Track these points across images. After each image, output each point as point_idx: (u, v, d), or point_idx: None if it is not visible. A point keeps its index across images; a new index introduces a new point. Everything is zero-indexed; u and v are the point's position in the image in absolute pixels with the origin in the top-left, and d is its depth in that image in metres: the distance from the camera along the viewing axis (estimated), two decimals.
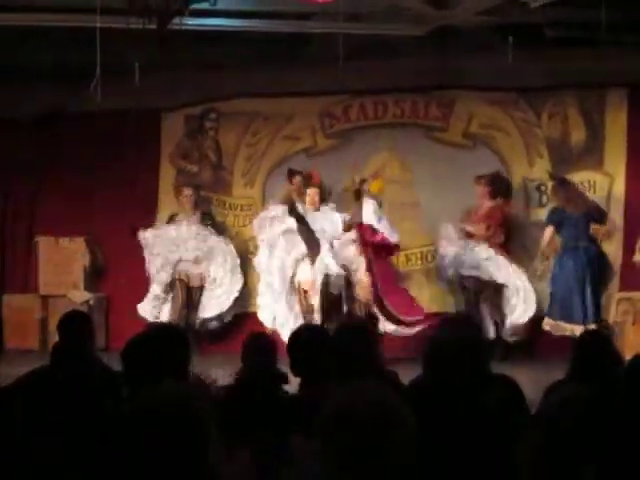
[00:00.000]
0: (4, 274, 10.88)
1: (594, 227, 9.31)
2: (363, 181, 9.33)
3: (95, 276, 10.66)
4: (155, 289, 9.89)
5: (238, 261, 10.04)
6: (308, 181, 9.49)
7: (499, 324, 9.24)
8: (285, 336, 8.73)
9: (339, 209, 9.41)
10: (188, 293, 9.96)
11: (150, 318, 9.59)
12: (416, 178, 10.18)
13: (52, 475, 2.80)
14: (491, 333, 9.08)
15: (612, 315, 9.18)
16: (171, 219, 10.22)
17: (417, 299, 9.51)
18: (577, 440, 2.32)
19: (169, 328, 4.70)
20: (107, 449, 2.61)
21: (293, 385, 4.19)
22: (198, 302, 9.98)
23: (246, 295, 10.11)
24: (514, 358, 8.66)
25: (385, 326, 8.87)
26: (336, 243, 9.01)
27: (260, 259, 9.43)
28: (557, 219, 9.31)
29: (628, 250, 9.27)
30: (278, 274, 9.17)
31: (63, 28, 8.62)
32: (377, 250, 9.09)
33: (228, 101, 10.61)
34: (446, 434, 3.08)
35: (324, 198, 9.37)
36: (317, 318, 8.82)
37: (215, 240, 10.01)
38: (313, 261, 8.95)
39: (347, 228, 9.11)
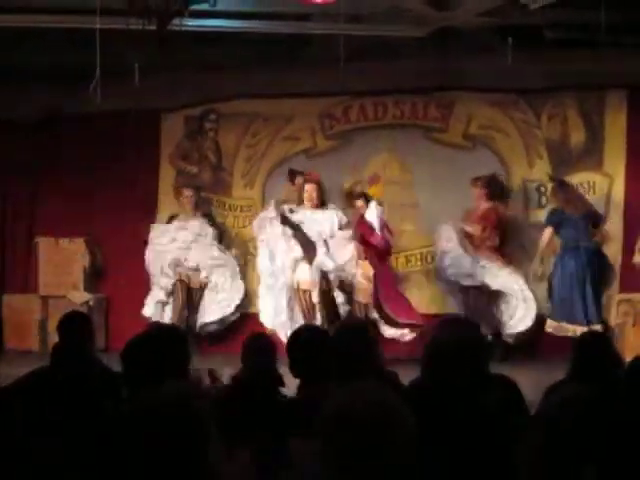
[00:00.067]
0: (4, 275, 10.88)
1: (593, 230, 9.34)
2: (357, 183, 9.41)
3: (95, 277, 10.66)
4: (158, 294, 9.87)
5: (238, 269, 10.05)
6: (306, 178, 9.48)
7: (498, 326, 9.23)
8: (285, 337, 8.77)
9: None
10: (189, 294, 9.95)
11: (156, 318, 9.60)
12: (416, 179, 10.18)
13: (52, 475, 2.80)
14: (489, 335, 9.07)
15: (612, 316, 9.18)
16: (171, 220, 10.21)
17: (417, 301, 9.55)
18: (577, 440, 2.32)
19: (169, 329, 4.70)
20: (107, 449, 2.61)
21: (291, 387, 4.18)
22: (198, 303, 9.98)
23: (246, 296, 10.11)
24: (514, 359, 8.66)
25: (384, 330, 8.88)
26: (332, 242, 8.98)
27: (260, 260, 9.42)
28: (556, 220, 9.31)
29: (628, 251, 9.27)
30: (278, 275, 9.17)
31: (61, 29, 8.62)
32: (376, 252, 9.10)
33: (228, 102, 10.61)
34: (446, 434, 3.08)
35: (324, 201, 9.34)
36: (318, 318, 8.82)
37: (216, 249, 10.01)
38: (311, 262, 8.95)
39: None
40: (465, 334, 3.62)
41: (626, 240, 9.40)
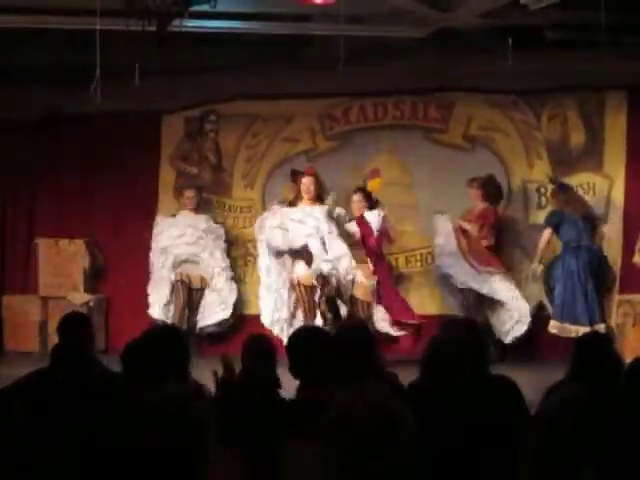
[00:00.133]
0: (4, 275, 10.87)
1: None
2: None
3: (95, 278, 10.65)
4: (162, 293, 9.87)
5: (232, 274, 10.07)
6: (304, 171, 9.47)
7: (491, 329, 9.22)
8: (283, 334, 8.81)
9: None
10: (189, 294, 9.96)
11: (162, 319, 9.66)
12: (416, 180, 10.18)
13: (52, 475, 2.80)
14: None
15: (612, 317, 9.19)
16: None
17: (417, 301, 9.56)
18: (577, 440, 2.32)
19: (169, 329, 4.71)
20: (107, 449, 2.61)
21: (291, 388, 4.17)
22: (199, 304, 9.99)
23: (247, 296, 10.12)
24: (513, 359, 8.65)
25: (382, 327, 8.87)
26: (329, 237, 8.96)
27: (260, 259, 9.42)
28: (556, 221, 9.32)
29: (628, 252, 9.27)
30: (277, 274, 9.17)
31: (61, 29, 8.62)
32: (371, 252, 9.12)
33: (228, 103, 10.61)
34: (446, 435, 3.08)
35: (321, 195, 9.33)
36: (319, 317, 8.82)
37: (219, 250, 10.03)
38: (309, 258, 8.96)
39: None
40: (465, 335, 3.63)
41: (626, 241, 9.40)
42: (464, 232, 9.43)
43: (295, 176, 9.56)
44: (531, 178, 9.98)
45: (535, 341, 9.43)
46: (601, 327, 8.88)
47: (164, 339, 3.91)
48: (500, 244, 9.63)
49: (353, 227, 9.17)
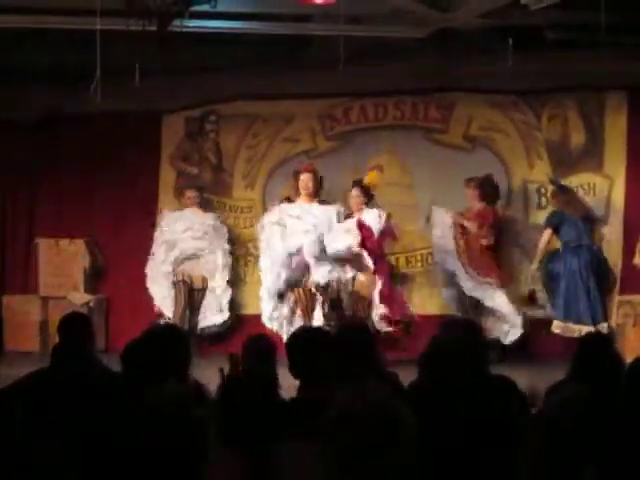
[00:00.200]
0: (4, 275, 10.87)
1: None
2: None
3: (95, 278, 10.66)
4: (164, 289, 9.89)
5: (229, 277, 10.07)
6: (302, 168, 9.47)
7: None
8: (286, 336, 8.80)
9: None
10: (190, 294, 9.97)
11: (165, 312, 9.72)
12: (416, 180, 10.17)
13: (52, 475, 2.80)
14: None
15: (613, 318, 9.19)
16: None
17: (417, 301, 9.57)
18: (577, 440, 2.32)
19: (169, 330, 4.70)
20: (107, 449, 2.61)
21: (291, 388, 4.17)
22: (200, 304, 9.99)
23: (247, 296, 10.13)
24: (512, 360, 8.64)
25: (382, 327, 8.86)
26: (330, 235, 8.95)
27: (261, 260, 9.43)
28: (556, 222, 9.32)
29: (628, 253, 9.27)
30: (277, 273, 9.17)
31: (61, 29, 8.62)
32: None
33: (228, 103, 10.60)
34: (446, 435, 3.08)
35: (319, 192, 9.34)
36: (318, 317, 8.82)
37: (221, 250, 10.05)
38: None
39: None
40: (465, 335, 3.63)
41: (626, 241, 9.40)
42: (463, 229, 9.41)
43: (297, 176, 9.58)
44: (531, 178, 9.98)
45: (533, 341, 9.42)
46: (604, 326, 8.90)
47: (164, 339, 3.91)
48: (500, 244, 9.63)
49: (352, 229, 9.09)
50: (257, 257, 9.67)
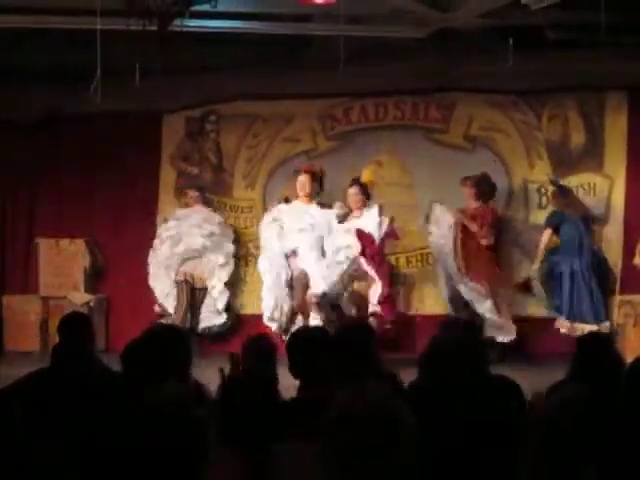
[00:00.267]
0: (4, 275, 10.87)
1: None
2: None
3: (95, 277, 10.66)
4: (167, 286, 9.90)
5: (228, 278, 10.08)
6: (300, 169, 9.48)
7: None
8: (280, 329, 8.84)
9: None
10: (192, 294, 9.97)
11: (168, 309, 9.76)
12: (416, 180, 10.17)
13: (52, 475, 2.80)
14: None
15: (613, 318, 9.19)
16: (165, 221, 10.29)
17: (417, 301, 9.61)
18: (577, 440, 2.32)
19: (169, 329, 4.70)
20: (107, 449, 2.61)
21: (290, 388, 4.17)
22: (201, 303, 10.00)
23: (248, 296, 10.13)
24: (512, 360, 8.64)
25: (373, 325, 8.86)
26: (330, 237, 8.94)
27: (261, 260, 9.44)
28: (556, 222, 9.33)
29: (628, 253, 9.28)
30: (277, 274, 9.18)
31: (61, 29, 8.62)
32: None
33: (229, 103, 10.60)
34: (446, 435, 3.08)
35: (317, 192, 9.34)
36: (317, 316, 8.82)
37: (223, 252, 10.06)
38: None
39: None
40: (465, 335, 3.63)
41: (626, 241, 9.41)
42: (464, 228, 9.38)
43: (296, 174, 9.59)
44: (532, 178, 9.97)
45: (533, 342, 9.43)
46: (606, 325, 8.91)
47: (164, 339, 3.91)
48: (500, 244, 9.63)
49: (351, 238, 9.04)
50: (257, 257, 9.69)
